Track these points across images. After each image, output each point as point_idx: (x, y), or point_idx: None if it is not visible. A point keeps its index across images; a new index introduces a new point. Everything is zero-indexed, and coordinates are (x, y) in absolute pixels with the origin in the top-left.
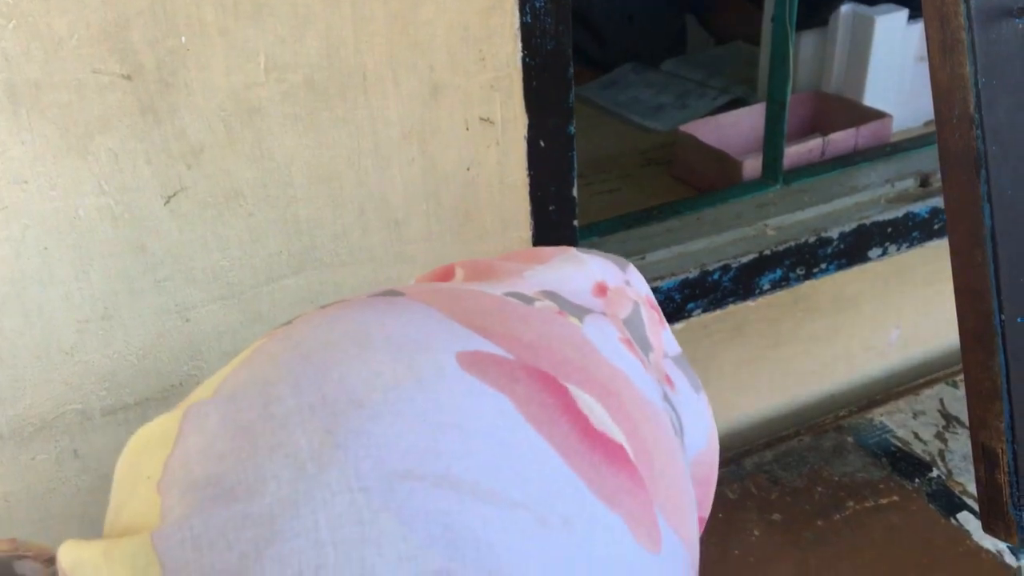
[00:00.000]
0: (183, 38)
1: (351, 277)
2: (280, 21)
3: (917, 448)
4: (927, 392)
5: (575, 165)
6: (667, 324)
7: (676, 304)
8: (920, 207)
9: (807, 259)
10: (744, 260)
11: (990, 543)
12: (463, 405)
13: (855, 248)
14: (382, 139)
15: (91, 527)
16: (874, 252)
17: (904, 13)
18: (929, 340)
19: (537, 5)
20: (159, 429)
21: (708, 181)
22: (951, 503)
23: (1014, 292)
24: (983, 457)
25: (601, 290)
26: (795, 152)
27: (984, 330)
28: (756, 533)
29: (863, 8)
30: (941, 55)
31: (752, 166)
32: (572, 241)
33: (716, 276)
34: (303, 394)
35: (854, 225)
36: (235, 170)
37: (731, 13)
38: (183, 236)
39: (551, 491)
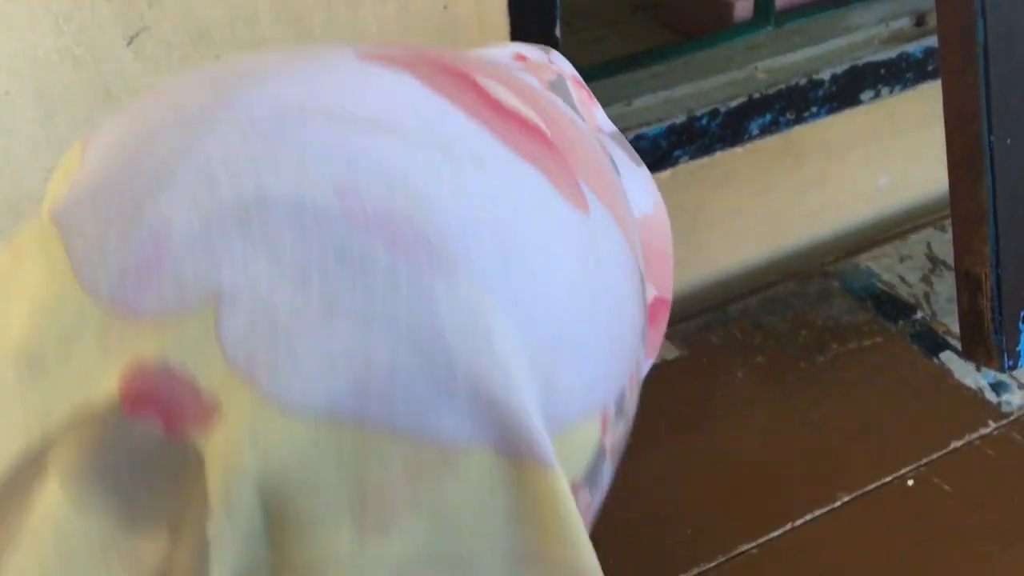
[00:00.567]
0: None
1: None
2: None
3: (902, 291)
4: (914, 237)
5: (558, 6)
6: (599, 104)
7: (663, 151)
8: (914, 47)
9: (798, 103)
10: (733, 104)
11: (972, 380)
12: (363, 77)
13: (847, 91)
14: None
15: None
16: (866, 95)
17: None
18: (918, 186)
19: None
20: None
21: (698, 26)
22: (934, 343)
23: (1004, 113)
24: (966, 284)
25: (521, 58)
26: None
27: (972, 153)
28: (739, 375)
29: None
30: None
31: (744, 7)
32: None
33: (704, 121)
34: (197, 86)
35: (846, 67)
36: (200, 9)
37: None
38: (148, 79)
39: (458, 133)
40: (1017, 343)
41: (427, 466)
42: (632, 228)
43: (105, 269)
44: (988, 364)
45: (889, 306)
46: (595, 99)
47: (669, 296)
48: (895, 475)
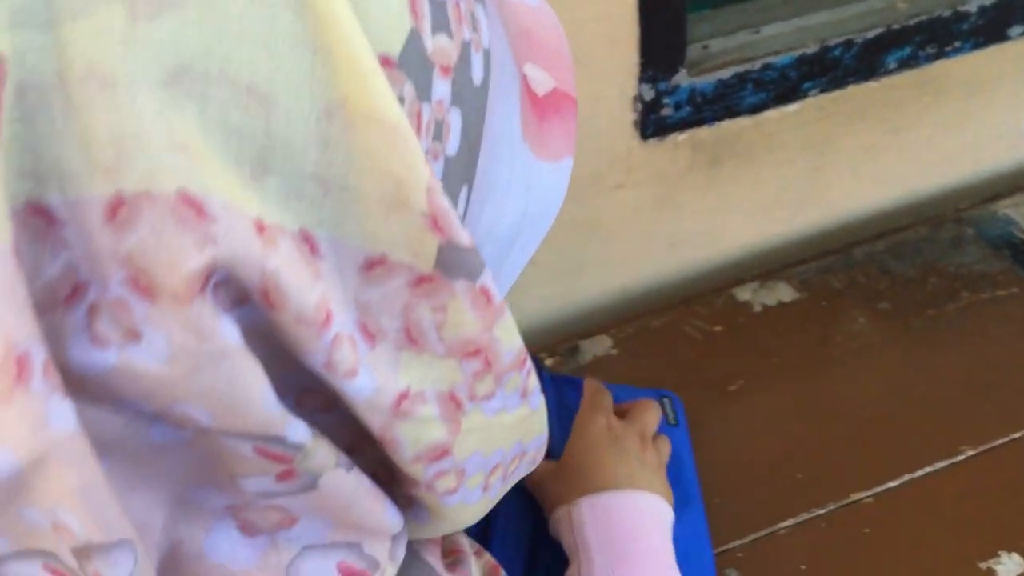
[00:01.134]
0: None
1: None
2: None
3: None
4: None
5: None
6: None
7: (791, 82)
8: None
9: (940, 36)
10: (869, 35)
11: None
12: None
13: (994, 25)
14: None
15: None
16: (1015, 30)
17: None
18: None
19: None
20: None
21: None
22: None
23: None
24: None
25: None
26: None
27: None
28: (861, 321)
29: None
30: None
31: None
32: (681, 12)
33: (837, 52)
34: None
35: None
36: None
37: None
38: None
39: None
40: None
41: None
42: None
43: None
44: None
45: None
46: None
47: (573, 93)
48: None
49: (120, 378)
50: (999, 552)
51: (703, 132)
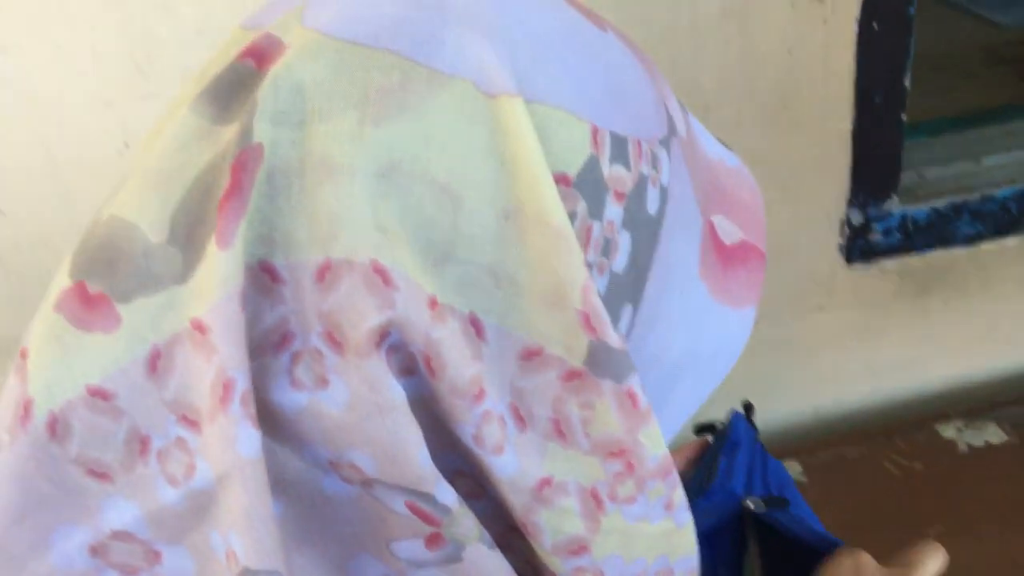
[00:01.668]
0: None
1: None
2: None
3: None
4: None
5: (911, 51)
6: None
7: (1011, 216)
8: None
9: None
10: None
11: None
12: None
13: None
14: (700, 15)
15: None
16: None
17: None
18: None
19: None
20: None
21: None
22: None
23: None
24: None
25: None
26: None
27: None
28: None
29: None
30: None
31: None
32: (897, 139)
33: None
34: None
35: None
36: None
37: None
38: None
39: None
40: None
41: (418, 82)
42: (667, 91)
43: (252, 16)
44: None
45: None
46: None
47: (763, 247)
48: None
49: (308, 419)
50: None
51: (913, 260)
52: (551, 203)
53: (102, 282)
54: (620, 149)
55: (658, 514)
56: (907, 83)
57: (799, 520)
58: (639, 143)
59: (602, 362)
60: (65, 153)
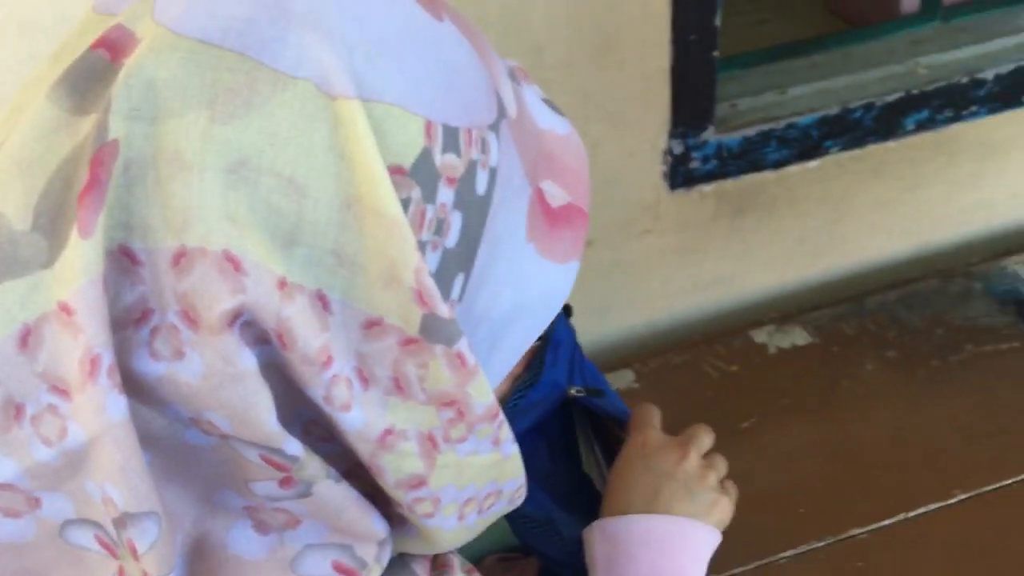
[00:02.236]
0: None
1: None
2: None
3: None
4: None
5: None
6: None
7: (813, 141)
8: None
9: (957, 101)
10: (889, 99)
11: None
12: None
13: (1010, 91)
14: None
15: None
16: None
17: None
18: None
19: None
20: None
21: (865, 15)
22: None
23: None
24: None
25: None
26: None
27: None
28: (869, 367)
29: None
30: None
31: (912, 0)
32: (711, 74)
33: (858, 115)
34: None
35: (1011, 67)
36: None
37: None
38: None
39: None
40: None
41: (263, 82)
42: (499, 74)
43: None
44: None
45: None
46: (530, 79)
47: (586, 208)
48: (1015, 479)
49: (166, 385)
50: None
51: (728, 185)
52: (386, 195)
53: None
54: (452, 139)
55: (486, 448)
56: (718, 23)
57: (612, 403)
58: (470, 131)
59: (433, 331)
60: None
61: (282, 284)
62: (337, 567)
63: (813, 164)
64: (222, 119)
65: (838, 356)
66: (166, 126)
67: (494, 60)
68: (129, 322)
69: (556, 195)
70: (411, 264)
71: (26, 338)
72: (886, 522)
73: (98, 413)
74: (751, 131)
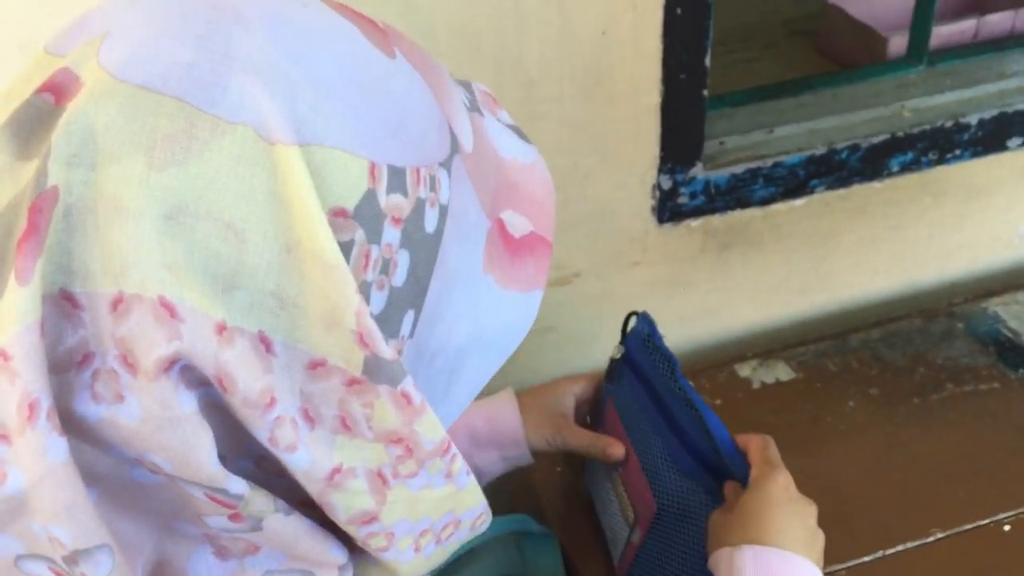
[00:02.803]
0: None
1: None
2: None
3: None
4: None
5: (710, 35)
6: (503, 108)
7: (800, 179)
8: None
9: (941, 144)
10: (875, 140)
11: None
12: None
13: (993, 136)
14: (522, 0)
15: None
16: (1013, 142)
17: None
18: None
19: None
20: None
21: (852, 57)
22: None
23: None
24: None
25: None
26: (946, 32)
27: None
28: (851, 404)
29: None
30: None
31: (899, 44)
32: (700, 112)
33: (844, 155)
34: None
35: (995, 112)
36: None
37: None
38: None
39: None
40: None
41: (202, 128)
42: (455, 108)
43: (55, 39)
44: None
45: (1012, 353)
46: (499, 103)
47: (549, 237)
48: (992, 519)
49: (107, 428)
50: None
51: (715, 220)
52: (324, 240)
53: None
54: (398, 179)
55: (439, 482)
56: (707, 63)
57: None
58: (418, 170)
59: (376, 371)
60: None
61: (221, 328)
62: None
63: (799, 202)
64: (159, 165)
65: (821, 392)
66: (105, 172)
67: (450, 93)
68: (72, 364)
69: (518, 225)
70: (351, 307)
71: None
72: (865, 559)
73: (38, 456)
74: (739, 168)
